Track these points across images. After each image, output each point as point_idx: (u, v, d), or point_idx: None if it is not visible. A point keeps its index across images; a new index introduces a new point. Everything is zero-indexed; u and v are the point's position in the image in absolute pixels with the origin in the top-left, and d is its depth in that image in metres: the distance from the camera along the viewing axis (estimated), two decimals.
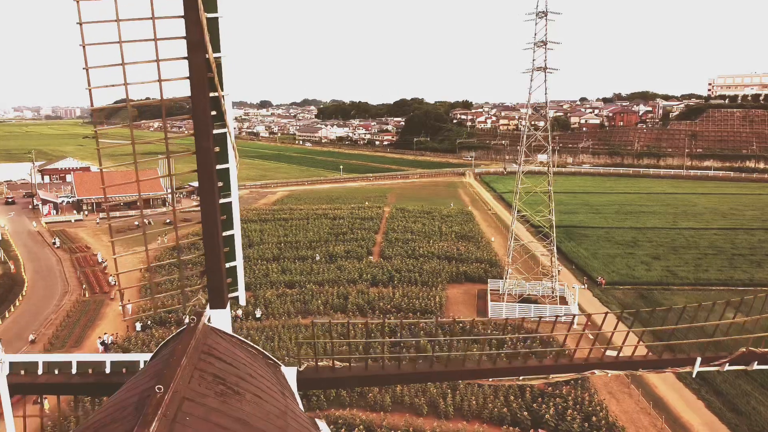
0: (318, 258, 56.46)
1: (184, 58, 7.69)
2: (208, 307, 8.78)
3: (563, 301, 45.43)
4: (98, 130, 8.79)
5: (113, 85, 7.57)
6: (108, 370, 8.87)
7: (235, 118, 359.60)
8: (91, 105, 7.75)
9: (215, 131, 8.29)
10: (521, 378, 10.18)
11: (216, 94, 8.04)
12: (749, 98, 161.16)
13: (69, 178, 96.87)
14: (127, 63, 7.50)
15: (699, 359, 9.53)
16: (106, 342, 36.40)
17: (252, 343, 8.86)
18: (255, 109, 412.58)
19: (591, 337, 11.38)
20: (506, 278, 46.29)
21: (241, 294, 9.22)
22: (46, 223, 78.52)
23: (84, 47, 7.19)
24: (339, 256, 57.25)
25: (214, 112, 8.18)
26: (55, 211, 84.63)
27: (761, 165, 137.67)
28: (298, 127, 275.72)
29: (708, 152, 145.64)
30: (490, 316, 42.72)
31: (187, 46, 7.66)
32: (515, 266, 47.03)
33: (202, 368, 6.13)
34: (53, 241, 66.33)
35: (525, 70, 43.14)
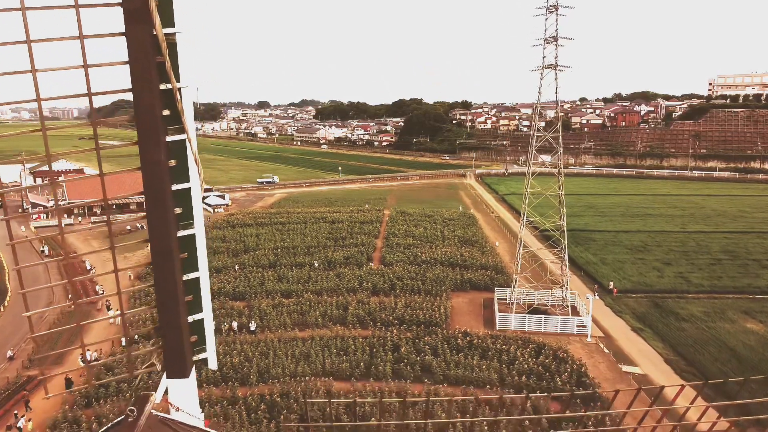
0: (316, 265, 54.10)
1: (121, 34, 5.38)
2: (163, 378, 6.43)
3: (575, 311, 43.11)
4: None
5: (14, 72, 5.24)
6: None
7: (234, 119, 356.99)
8: None
9: (170, 138, 5.90)
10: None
11: (169, 86, 5.67)
12: (750, 98, 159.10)
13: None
14: (34, 41, 5.16)
15: None
16: (88, 359, 33.84)
17: None
18: (253, 109, 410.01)
19: (659, 412, 9.02)
20: (514, 287, 43.93)
21: (212, 355, 6.87)
22: (35, 227, 76.04)
23: None
24: (338, 262, 54.89)
25: (167, 112, 5.81)
26: (45, 215, 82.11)
27: (767, 166, 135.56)
28: (296, 128, 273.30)
29: (712, 153, 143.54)
30: (498, 328, 40.39)
31: (124, 16, 5.33)
32: (524, 274, 44.68)
33: None
34: (42, 248, 63.84)
35: (534, 68, 40.87)
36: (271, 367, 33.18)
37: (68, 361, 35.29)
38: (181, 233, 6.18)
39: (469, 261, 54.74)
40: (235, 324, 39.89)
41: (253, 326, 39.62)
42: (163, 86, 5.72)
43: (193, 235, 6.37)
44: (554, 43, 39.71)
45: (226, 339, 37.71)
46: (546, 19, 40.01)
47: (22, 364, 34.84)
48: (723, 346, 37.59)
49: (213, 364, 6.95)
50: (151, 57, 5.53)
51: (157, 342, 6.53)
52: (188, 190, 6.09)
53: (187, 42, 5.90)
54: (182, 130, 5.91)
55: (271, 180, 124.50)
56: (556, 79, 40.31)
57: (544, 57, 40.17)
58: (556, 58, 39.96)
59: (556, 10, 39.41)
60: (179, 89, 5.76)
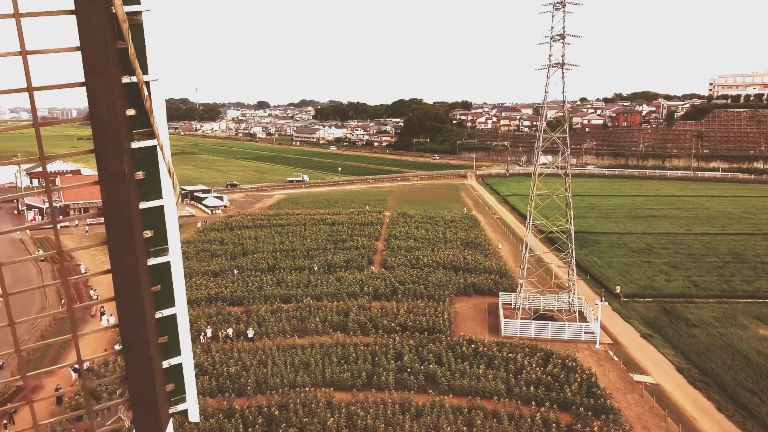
0: (316, 268, 52.91)
1: (70, 12, 4.24)
2: None
3: (582, 317, 41.94)
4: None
5: None
6: None
7: (233, 119, 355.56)
8: None
9: (136, 144, 4.70)
10: None
11: (134, 79, 4.49)
12: (752, 98, 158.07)
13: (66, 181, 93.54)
14: None
15: None
16: (78, 369, 32.31)
17: None
18: (252, 110, 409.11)
19: None
20: (520, 292, 42.73)
21: (192, 405, 5.72)
22: (29, 230, 74.82)
23: None
24: (338, 266, 53.69)
25: (132, 112, 4.63)
26: (40, 217, 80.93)
27: None
28: (295, 128, 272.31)
29: (715, 153, 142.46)
30: (503, 335, 39.21)
31: None
32: (529, 279, 43.49)
33: None
34: (37, 252, 62.66)
35: (541, 66, 39.71)
36: (270, 377, 31.97)
37: (59, 371, 34.06)
38: (152, 261, 4.97)
39: (472, 264, 53.54)
40: (230, 331, 38.68)
41: (251, 333, 38.41)
42: (126, 79, 4.53)
43: (167, 264, 5.15)
44: (561, 40, 38.54)
45: (223, 347, 36.52)
46: (553, 17, 38.86)
47: (11, 374, 33.61)
48: (736, 353, 36.40)
49: (194, 416, 5.77)
50: (110, 42, 4.34)
51: (124, 392, 5.34)
52: (160, 208, 4.86)
53: (157, 23, 4.71)
54: (152, 135, 4.68)
55: (301, 179, 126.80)
56: (563, 78, 39.18)
57: (551, 55, 39.01)
58: (563, 56, 38.80)
59: (564, 7, 38.25)
60: (147, 83, 4.55)
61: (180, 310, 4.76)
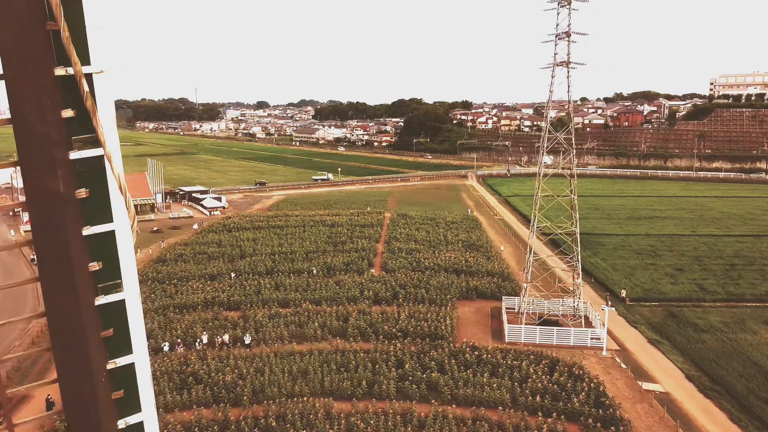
0: (315, 271, 51.87)
1: None
2: None
3: (587, 321, 40.93)
4: None
5: None
6: None
7: (232, 119, 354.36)
8: None
9: (76, 155, 3.62)
10: None
11: (70, 70, 3.42)
12: (753, 98, 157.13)
13: None
14: None
15: None
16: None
17: None
18: (251, 109, 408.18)
19: None
20: (524, 296, 41.71)
21: None
22: (25, 231, 73.76)
23: None
24: (338, 269, 52.64)
25: (69, 113, 3.56)
26: None
27: None
28: (295, 128, 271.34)
29: (717, 153, 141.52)
30: (507, 341, 38.20)
31: None
32: (534, 283, 42.48)
33: None
34: (32, 257, 61.59)
35: (545, 65, 38.70)
36: (267, 386, 30.94)
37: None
38: (101, 300, 3.92)
39: (474, 267, 52.50)
40: (227, 337, 37.64)
41: (248, 339, 37.37)
42: (60, 71, 3.48)
43: (122, 302, 4.11)
44: (567, 38, 37.52)
45: (219, 354, 35.47)
46: (558, 14, 37.85)
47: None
48: (747, 360, 35.41)
49: None
50: (36, 22, 3.31)
51: None
52: (111, 234, 3.80)
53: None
54: (96, 142, 3.63)
55: (326, 177, 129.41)
56: (568, 77, 38.18)
57: (556, 54, 37.98)
58: (568, 54, 37.79)
59: (569, 4, 37.23)
60: (88, 76, 3.49)
61: (139, 357, 3.57)
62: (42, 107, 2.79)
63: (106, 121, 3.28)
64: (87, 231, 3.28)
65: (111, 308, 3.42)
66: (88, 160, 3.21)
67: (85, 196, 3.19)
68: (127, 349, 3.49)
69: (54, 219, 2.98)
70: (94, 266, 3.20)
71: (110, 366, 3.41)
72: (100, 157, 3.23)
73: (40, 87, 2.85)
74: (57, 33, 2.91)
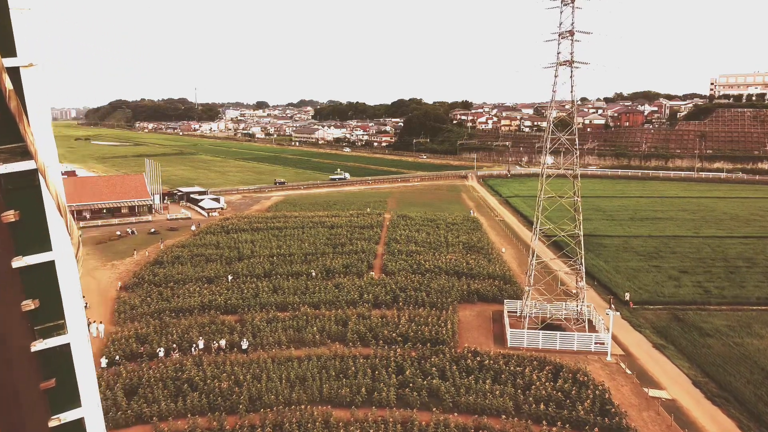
0: (314, 274, 51.10)
1: None
2: None
3: (591, 325, 40.18)
4: None
5: None
6: None
7: (231, 119, 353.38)
8: None
9: (2, 169, 2.92)
10: None
11: None
12: (754, 98, 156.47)
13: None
14: None
15: None
16: None
17: None
18: (251, 110, 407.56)
19: None
20: (526, 299, 40.97)
21: None
22: None
23: None
24: (337, 271, 51.88)
25: None
26: None
27: None
28: (294, 129, 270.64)
29: (718, 153, 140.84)
30: (509, 345, 37.46)
31: None
32: (536, 286, 41.74)
33: None
34: None
35: (548, 65, 37.96)
36: (264, 393, 30.20)
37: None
38: (39, 346, 3.18)
39: (475, 269, 51.75)
40: (223, 342, 36.88)
41: (245, 344, 36.60)
42: None
43: (66, 346, 3.36)
44: (570, 37, 36.79)
45: (216, 359, 34.70)
46: (561, 13, 37.11)
47: None
48: (754, 365, 34.67)
49: None
50: None
51: None
52: (50, 264, 3.04)
53: None
54: (26, 153, 2.88)
55: (343, 177, 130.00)
56: (572, 76, 37.43)
57: (559, 53, 37.26)
58: (572, 54, 37.06)
59: (573, 3, 36.50)
60: (13, 70, 2.74)
61: (90, 410, 2.92)
62: None
63: (38, 125, 2.54)
64: (18, 262, 2.54)
65: (52, 354, 2.70)
66: (17, 176, 2.51)
67: (14, 219, 2.45)
68: (75, 402, 2.77)
69: None
70: (29, 305, 2.46)
71: (53, 423, 2.70)
72: (33, 171, 2.49)
73: None
74: None
